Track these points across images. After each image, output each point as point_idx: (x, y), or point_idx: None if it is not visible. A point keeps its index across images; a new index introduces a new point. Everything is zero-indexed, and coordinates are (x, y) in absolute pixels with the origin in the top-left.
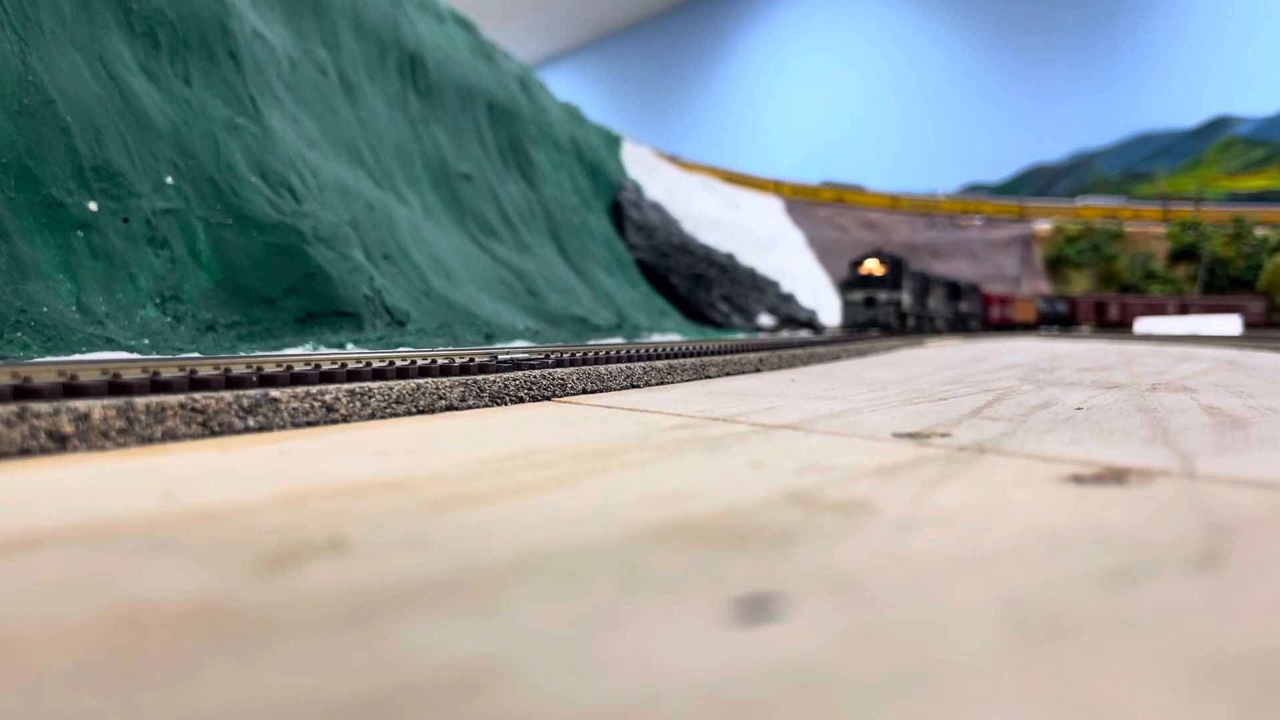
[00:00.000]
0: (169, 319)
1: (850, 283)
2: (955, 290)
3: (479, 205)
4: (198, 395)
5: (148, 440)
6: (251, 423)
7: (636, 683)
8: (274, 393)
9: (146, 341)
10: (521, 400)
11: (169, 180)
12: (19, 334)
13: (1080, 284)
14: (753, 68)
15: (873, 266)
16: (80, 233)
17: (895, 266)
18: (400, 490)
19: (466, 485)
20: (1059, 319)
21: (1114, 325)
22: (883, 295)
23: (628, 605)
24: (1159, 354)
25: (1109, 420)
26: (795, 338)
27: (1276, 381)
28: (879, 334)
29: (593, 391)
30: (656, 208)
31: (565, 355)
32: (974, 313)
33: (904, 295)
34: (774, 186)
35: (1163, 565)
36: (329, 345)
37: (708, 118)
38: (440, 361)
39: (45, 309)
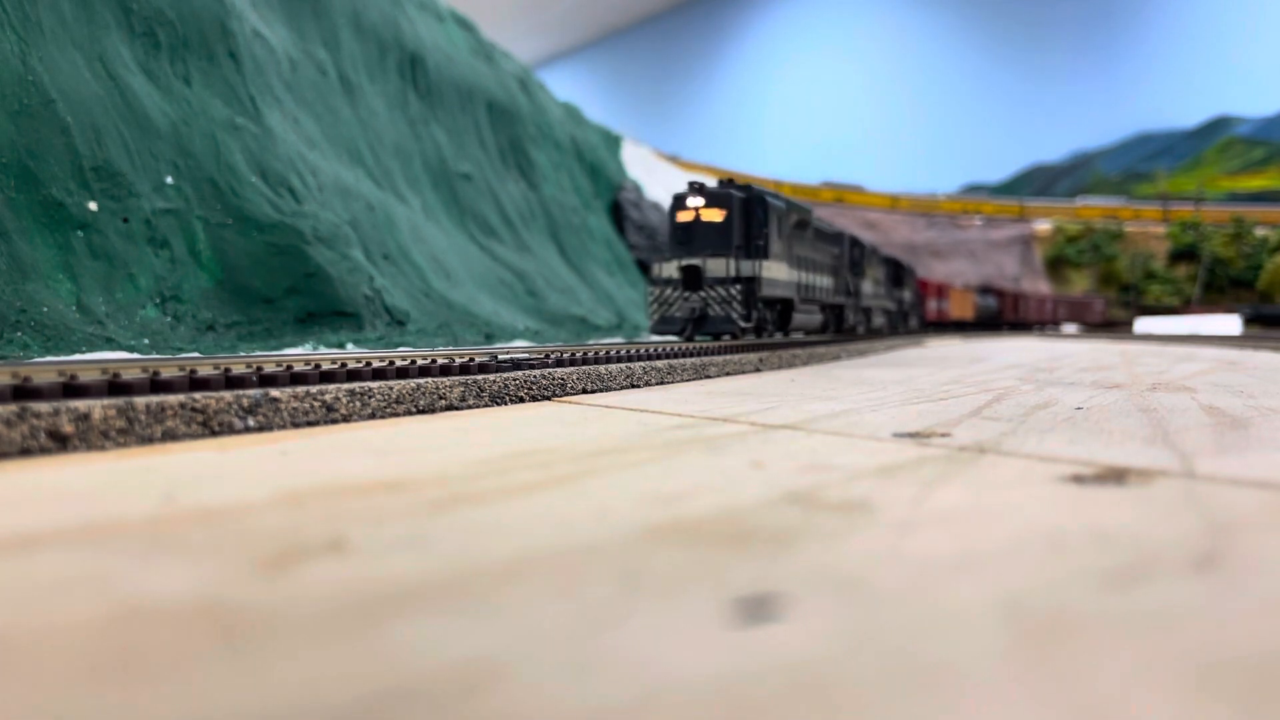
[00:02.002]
0: (169, 319)
1: (671, 242)
2: (897, 273)
3: (479, 205)
4: (198, 395)
5: (148, 440)
6: (251, 423)
7: (636, 683)
8: (274, 392)
9: (146, 341)
10: (521, 400)
11: (169, 180)
12: (19, 334)
13: (1080, 284)
14: (752, 68)
15: (697, 207)
16: (80, 233)
17: (748, 209)
18: (400, 490)
19: (466, 485)
20: (991, 317)
21: (1024, 325)
22: (716, 267)
23: (628, 605)
24: (1159, 354)
25: (1109, 420)
26: (796, 338)
27: (1276, 381)
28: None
29: (593, 391)
30: (656, 208)
31: (565, 355)
32: (914, 305)
33: (771, 267)
34: (773, 186)
35: (1162, 565)
36: (329, 345)
37: (708, 118)
38: (440, 361)
39: (45, 309)
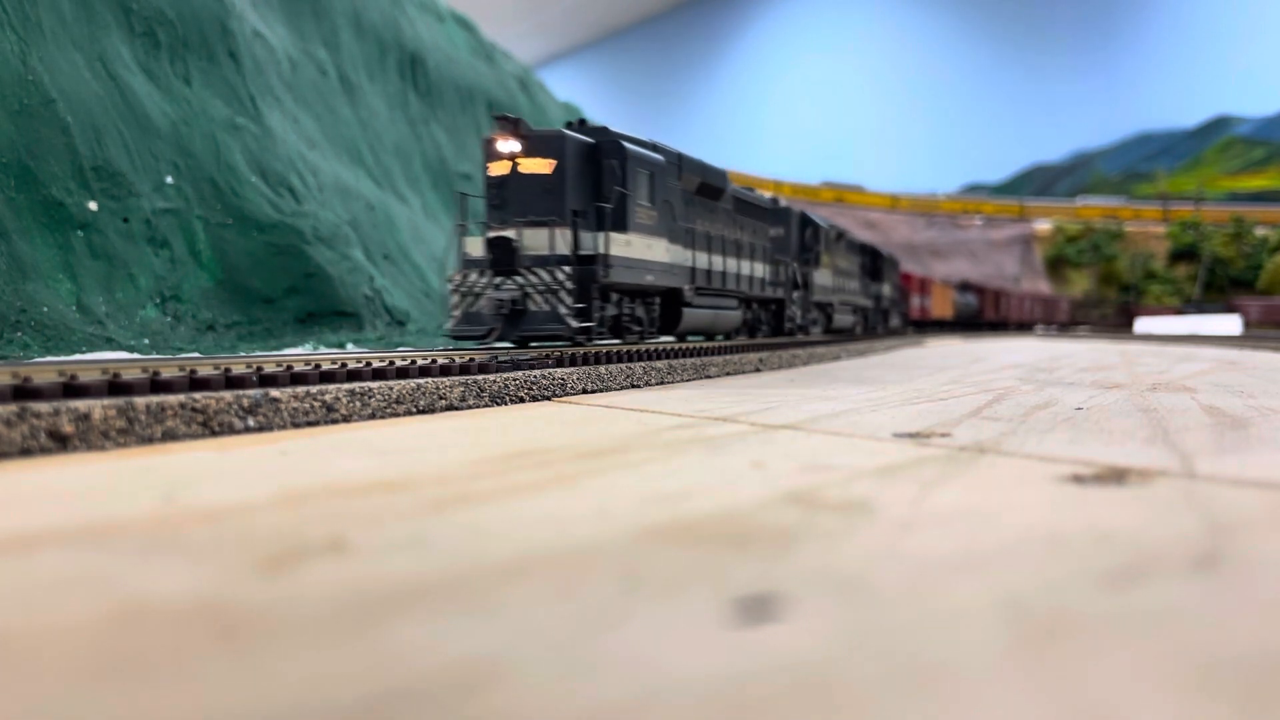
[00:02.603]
0: (169, 319)
1: (486, 207)
2: (875, 264)
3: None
4: (198, 395)
5: (148, 440)
6: (251, 423)
7: (636, 683)
8: (274, 393)
9: (146, 341)
10: (522, 400)
11: (169, 180)
12: (19, 334)
13: (1080, 284)
14: (752, 67)
15: (513, 154)
16: (80, 233)
17: (594, 160)
18: (400, 490)
19: (466, 485)
20: (971, 315)
21: (1004, 325)
22: (536, 241)
23: (628, 605)
24: (1159, 354)
25: (1109, 420)
26: (795, 338)
27: (1276, 381)
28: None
29: (593, 391)
30: None
31: (565, 355)
32: (896, 301)
33: (632, 242)
34: (774, 186)
35: (1163, 565)
36: (329, 345)
37: (708, 117)
38: (440, 361)
39: (45, 309)
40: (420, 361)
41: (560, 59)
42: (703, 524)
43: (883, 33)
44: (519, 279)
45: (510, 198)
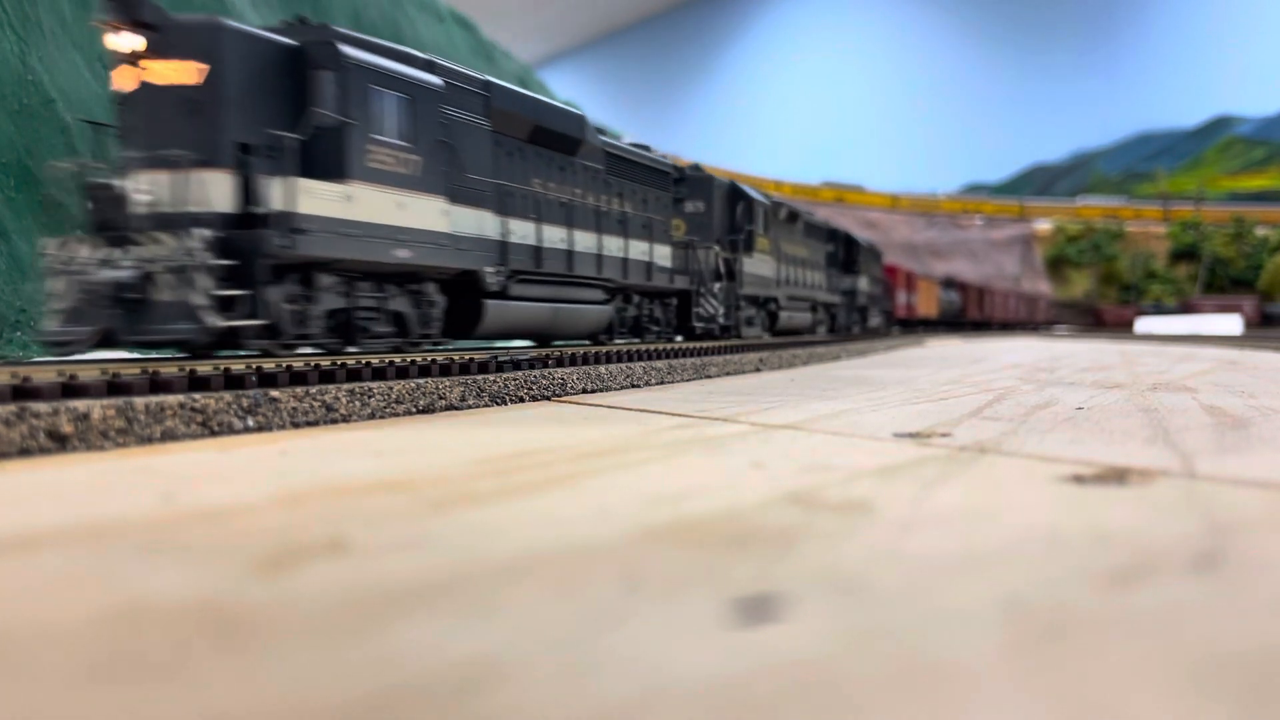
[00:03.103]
0: None
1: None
2: (849, 254)
3: None
4: (197, 395)
5: (147, 440)
6: (251, 423)
7: (637, 682)
8: (274, 392)
9: None
10: (522, 400)
11: None
12: (19, 334)
13: (1081, 284)
14: (753, 67)
15: (135, 54)
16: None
17: (293, 69)
18: (400, 490)
19: (466, 485)
20: (955, 314)
21: (987, 324)
22: (157, 188)
23: (628, 605)
24: (1159, 354)
25: (1109, 420)
26: (795, 338)
27: (1277, 381)
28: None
29: (593, 391)
30: None
31: (565, 355)
32: (877, 297)
33: (363, 198)
34: (774, 186)
35: (1163, 565)
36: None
37: (708, 117)
38: (440, 361)
39: (45, 309)
40: (420, 361)
41: (560, 59)
42: (703, 524)
43: (882, 33)
44: (139, 252)
45: (137, 123)
